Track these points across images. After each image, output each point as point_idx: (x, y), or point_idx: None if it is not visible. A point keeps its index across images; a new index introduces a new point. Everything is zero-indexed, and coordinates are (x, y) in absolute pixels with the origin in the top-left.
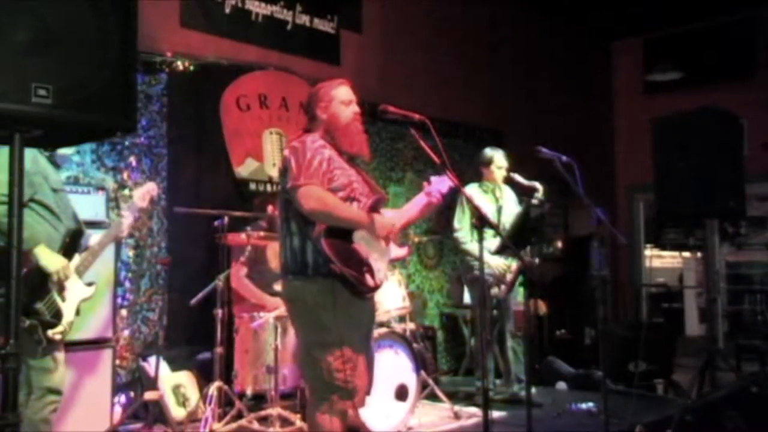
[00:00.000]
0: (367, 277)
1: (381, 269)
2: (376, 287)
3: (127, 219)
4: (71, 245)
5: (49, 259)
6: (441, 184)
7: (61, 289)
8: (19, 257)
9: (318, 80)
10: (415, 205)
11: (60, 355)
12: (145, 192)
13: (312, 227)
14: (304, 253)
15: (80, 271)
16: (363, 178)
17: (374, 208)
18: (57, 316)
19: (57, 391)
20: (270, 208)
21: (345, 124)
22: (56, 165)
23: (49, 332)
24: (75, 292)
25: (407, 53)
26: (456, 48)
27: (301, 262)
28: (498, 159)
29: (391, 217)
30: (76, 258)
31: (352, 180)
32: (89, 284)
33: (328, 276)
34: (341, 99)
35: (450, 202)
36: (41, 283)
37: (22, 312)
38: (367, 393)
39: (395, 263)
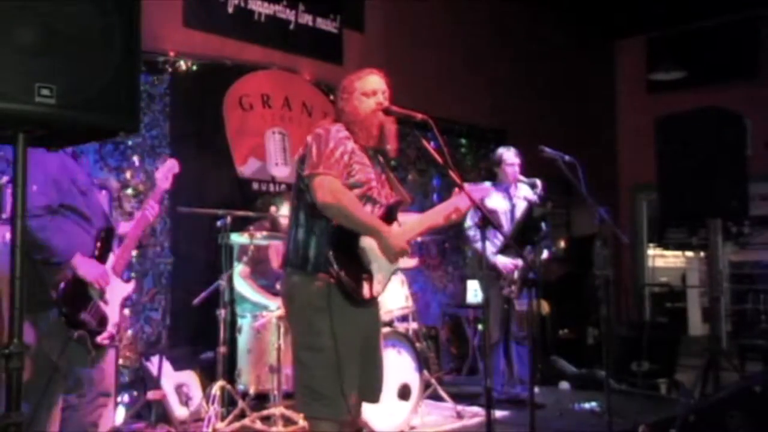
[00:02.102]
0: (365, 286)
1: (381, 280)
2: (371, 298)
3: (152, 205)
4: (104, 245)
5: (87, 268)
6: (475, 193)
7: (102, 295)
8: (22, 257)
9: (321, 80)
10: (440, 212)
11: (108, 358)
12: (167, 170)
13: (320, 221)
14: (307, 248)
15: (116, 270)
16: (386, 177)
17: (392, 212)
18: (102, 322)
19: (107, 394)
20: (273, 209)
21: (363, 117)
22: (75, 157)
23: (98, 338)
24: (116, 292)
25: (410, 52)
26: (459, 47)
27: (303, 257)
28: (508, 157)
29: (409, 227)
30: (111, 257)
31: (370, 178)
32: (127, 280)
33: (327, 273)
34: (363, 90)
35: None
36: (83, 292)
37: (69, 324)
38: (373, 401)
39: (403, 271)
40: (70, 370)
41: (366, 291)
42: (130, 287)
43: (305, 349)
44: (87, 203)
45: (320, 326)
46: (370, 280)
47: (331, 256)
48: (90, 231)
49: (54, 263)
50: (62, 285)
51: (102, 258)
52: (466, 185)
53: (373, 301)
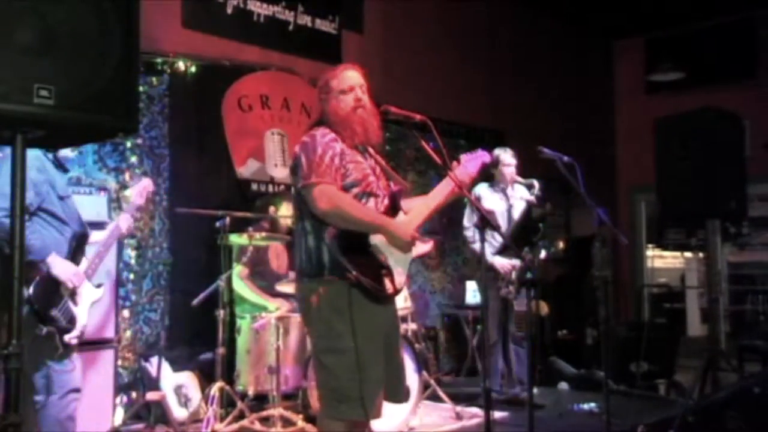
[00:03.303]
0: (386, 281)
1: (401, 272)
2: (396, 292)
3: (126, 218)
4: (77, 249)
5: (61, 267)
6: (472, 162)
7: (73, 295)
8: (21, 258)
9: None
10: (443, 190)
11: (76, 356)
12: (141, 189)
13: (326, 228)
14: (320, 254)
15: (89, 275)
16: (381, 169)
17: (394, 202)
18: (71, 321)
19: (77, 390)
20: (272, 210)
21: (344, 116)
22: (64, 169)
23: (66, 337)
24: (86, 295)
25: (409, 53)
26: (457, 48)
27: (317, 263)
28: (505, 158)
29: (415, 213)
30: (84, 262)
31: (366, 174)
32: (98, 286)
33: (345, 278)
34: (339, 88)
35: (459, 201)
36: (55, 290)
37: (39, 320)
38: (399, 401)
39: (416, 260)
40: (39, 369)
41: (389, 286)
42: (99, 292)
43: (327, 352)
44: (64, 208)
45: (341, 328)
46: (390, 274)
47: (346, 262)
48: (65, 233)
49: (28, 261)
50: (35, 281)
51: (74, 261)
52: (463, 155)
53: (392, 298)
